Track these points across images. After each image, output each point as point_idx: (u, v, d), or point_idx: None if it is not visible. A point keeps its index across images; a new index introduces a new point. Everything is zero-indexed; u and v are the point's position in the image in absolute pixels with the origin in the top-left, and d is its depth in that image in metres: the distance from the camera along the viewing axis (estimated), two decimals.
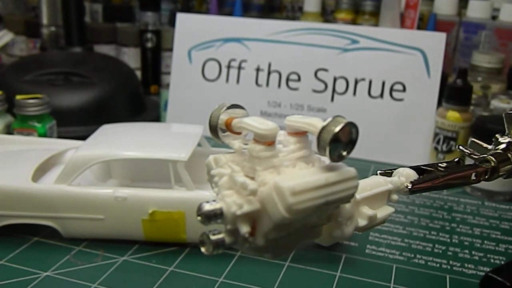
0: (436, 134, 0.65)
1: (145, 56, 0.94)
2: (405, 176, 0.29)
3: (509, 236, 0.51)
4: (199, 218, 0.22)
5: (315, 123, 0.23)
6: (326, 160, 0.23)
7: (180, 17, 0.77)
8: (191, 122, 0.55)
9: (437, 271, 0.44)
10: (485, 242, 0.50)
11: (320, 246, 0.44)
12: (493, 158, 0.32)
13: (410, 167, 0.30)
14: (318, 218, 0.24)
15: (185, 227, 0.43)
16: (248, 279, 0.41)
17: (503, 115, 0.36)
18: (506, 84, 0.80)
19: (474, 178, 0.31)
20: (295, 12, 1.14)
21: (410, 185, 0.29)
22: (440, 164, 0.31)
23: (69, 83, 0.71)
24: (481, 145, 0.34)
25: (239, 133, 0.25)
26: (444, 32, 0.69)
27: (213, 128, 0.25)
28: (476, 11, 0.90)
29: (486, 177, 0.32)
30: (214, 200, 0.22)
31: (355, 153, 0.23)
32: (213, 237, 0.22)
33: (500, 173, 0.32)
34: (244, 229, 0.22)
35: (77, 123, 0.67)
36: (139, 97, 0.79)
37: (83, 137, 0.50)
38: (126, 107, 0.75)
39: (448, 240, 0.50)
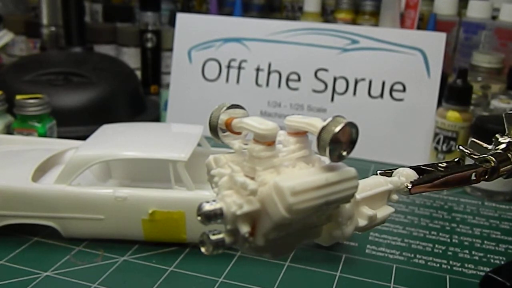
0: (436, 134, 0.65)
1: (145, 56, 0.94)
2: (405, 176, 0.29)
3: (509, 236, 0.51)
4: (199, 218, 0.22)
5: (315, 123, 0.23)
6: (326, 160, 0.23)
7: (180, 17, 0.77)
8: (191, 122, 0.55)
9: (437, 271, 0.44)
10: (485, 242, 0.50)
11: (320, 246, 0.44)
12: (493, 158, 0.32)
13: (410, 167, 0.30)
14: (318, 218, 0.24)
15: (185, 227, 0.43)
16: (248, 279, 0.41)
17: (503, 115, 0.36)
18: (506, 84, 0.80)
19: (474, 178, 0.31)
20: (295, 12, 1.14)
21: (410, 185, 0.29)
22: (440, 164, 0.31)
23: (69, 83, 0.71)
24: (481, 145, 0.34)
25: (239, 133, 0.25)
26: (444, 32, 0.69)
27: (213, 128, 0.25)
28: (476, 11, 0.90)
29: (486, 177, 0.32)
30: (214, 200, 0.22)
31: (355, 153, 0.23)
32: (213, 237, 0.22)
33: (500, 173, 0.32)
34: (244, 229, 0.22)
35: (77, 123, 0.67)
36: (139, 97, 0.79)
37: (83, 137, 0.50)
38: (126, 107, 0.75)
39: (448, 240, 0.50)
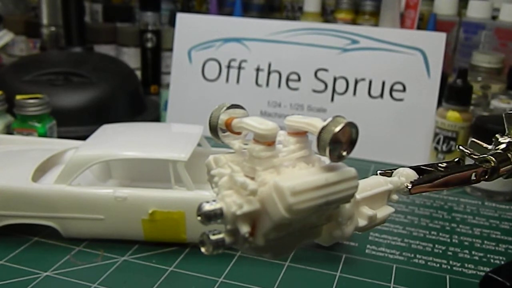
0: (436, 134, 0.65)
1: (145, 56, 0.94)
2: (405, 176, 0.29)
3: (509, 236, 0.51)
4: (199, 218, 0.22)
5: (315, 123, 0.23)
6: (326, 160, 0.23)
7: (180, 17, 0.77)
8: (191, 122, 0.55)
9: (437, 271, 0.44)
10: (485, 242, 0.50)
11: (320, 246, 0.44)
12: (493, 158, 0.32)
13: (410, 167, 0.30)
14: (318, 218, 0.24)
15: (185, 227, 0.43)
16: (248, 279, 0.41)
17: (503, 115, 0.36)
18: (506, 84, 0.80)
19: (474, 178, 0.31)
20: (295, 12, 1.14)
21: (410, 185, 0.29)
22: (440, 164, 0.31)
23: (69, 83, 0.71)
24: (481, 145, 0.34)
25: (239, 133, 0.25)
26: (444, 32, 0.69)
27: (213, 128, 0.25)
28: (476, 11, 0.90)
29: (486, 177, 0.32)
30: (214, 200, 0.22)
31: (355, 153, 0.23)
32: (213, 237, 0.22)
33: (500, 173, 0.32)
34: (244, 229, 0.22)
35: (77, 123, 0.67)
36: (139, 97, 0.79)
37: (83, 137, 0.50)
38: (126, 107, 0.75)
39: (448, 240, 0.50)
